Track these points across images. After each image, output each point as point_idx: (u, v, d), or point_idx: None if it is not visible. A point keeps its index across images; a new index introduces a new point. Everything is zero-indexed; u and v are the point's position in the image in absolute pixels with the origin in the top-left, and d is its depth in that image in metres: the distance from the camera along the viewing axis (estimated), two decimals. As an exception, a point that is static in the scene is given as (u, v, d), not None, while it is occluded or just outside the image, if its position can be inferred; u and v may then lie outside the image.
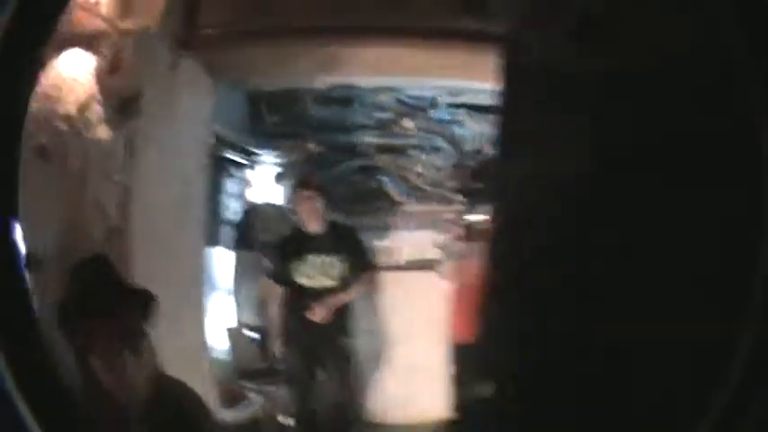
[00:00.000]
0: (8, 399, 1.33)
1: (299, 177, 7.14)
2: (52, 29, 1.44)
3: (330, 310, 6.87)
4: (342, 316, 6.62)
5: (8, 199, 1.42)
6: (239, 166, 7.43)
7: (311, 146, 7.34)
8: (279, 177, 7.52)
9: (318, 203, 6.39)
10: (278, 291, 6.17)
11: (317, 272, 6.18)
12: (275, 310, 6.22)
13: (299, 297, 6.31)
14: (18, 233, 1.43)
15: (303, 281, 6.16)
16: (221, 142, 6.47)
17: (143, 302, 3.43)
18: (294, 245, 6.33)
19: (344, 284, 6.49)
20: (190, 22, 4.51)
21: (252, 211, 7.56)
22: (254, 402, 6.32)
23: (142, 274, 3.99)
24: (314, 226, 6.38)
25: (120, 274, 3.57)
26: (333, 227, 6.51)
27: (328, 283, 6.31)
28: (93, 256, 3.53)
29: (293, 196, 6.51)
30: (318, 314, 6.78)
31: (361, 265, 6.68)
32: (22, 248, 1.47)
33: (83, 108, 3.85)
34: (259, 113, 6.99)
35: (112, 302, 3.34)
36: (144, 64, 4.07)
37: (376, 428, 7.46)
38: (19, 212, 1.43)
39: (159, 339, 3.48)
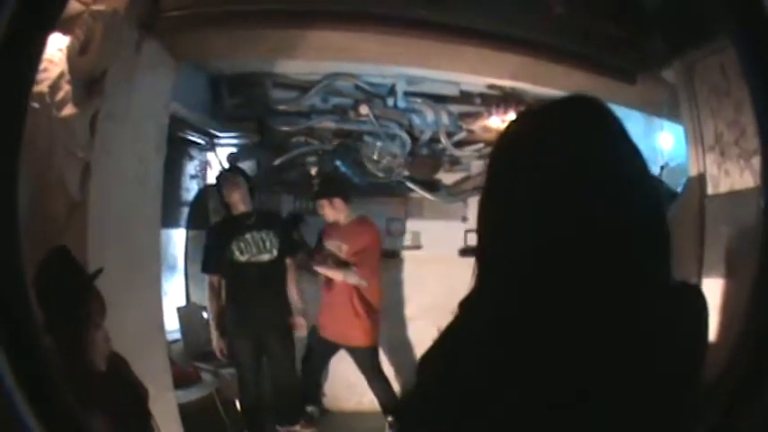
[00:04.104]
0: (8, 399, 1.34)
1: (228, 165, 7.18)
2: (57, 14, 1.43)
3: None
4: (283, 297, 6.63)
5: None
6: (198, 146, 7.39)
7: (269, 129, 7.35)
8: (231, 158, 7.51)
9: (244, 187, 6.45)
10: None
11: (253, 247, 6.23)
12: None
13: (239, 274, 6.35)
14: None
15: (242, 258, 6.23)
16: (181, 123, 6.44)
17: (95, 279, 3.46)
18: (231, 227, 6.37)
19: (279, 259, 6.52)
20: (155, 5, 4.52)
21: (205, 191, 7.53)
22: (208, 384, 6.32)
23: (100, 250, 3.99)
24: (243, 208, 6.45)
25: (77, 262, 3.57)
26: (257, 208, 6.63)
27: (264, 257, 6.36)
28: (56, 246, 3.53)
29: (223, 183, 6.54)
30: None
31: (290, 245, 6.74)
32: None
33: (54, 87, 3.84)
34: (219, 96, 6.95)
35: (74, 286, 3.36)
36: (111, 45, 4.07)
37: (329, 414, 7.48)
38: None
39: (114, 317, 3.49)
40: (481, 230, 1.67)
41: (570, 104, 1.71)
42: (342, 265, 6.83)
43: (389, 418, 7.07)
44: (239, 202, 6.39)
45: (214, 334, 6.27)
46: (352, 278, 6.80)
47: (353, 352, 6.99)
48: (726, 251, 4.33)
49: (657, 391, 1.42)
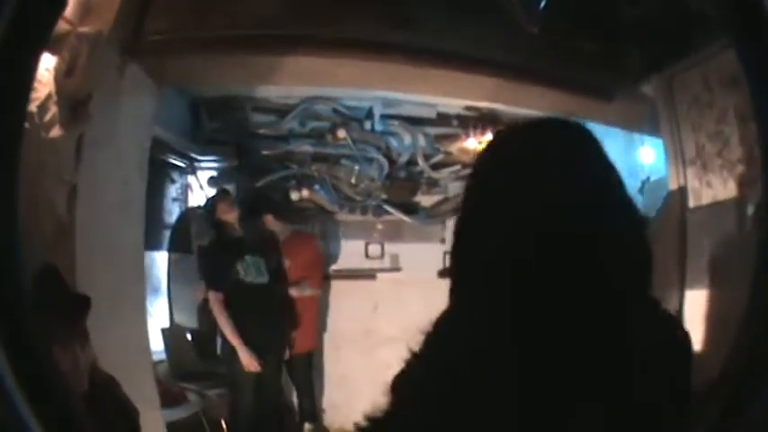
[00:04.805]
0: (8, 399, 1.34)
1: (219, 188, 7.19)
2: (51, 28, 1.46)
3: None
4: (280, 318, 6.60)
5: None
6: (179, 169, 7.40)
7: (248, 152, 7.37)
8: (212, 182, 7.53)
9: (237, 210, 6.46)
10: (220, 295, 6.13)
11: (253, 269, 6.22)
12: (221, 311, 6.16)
13: (243, 294, 6.29)
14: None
15: (247, 279, 6.20)
16: (162, 146, 6.47)
17: (84, 305, 3.48)
18: (232, 246, 6.34)
19: (272, 283, 6.50)
20: (138, 28, 4.57)
21: (188, 214, 7.54)
22: (194, 403, 6.30)
23: (85, 272, 4.01)
24: (237, 228, 6.45)
25: (65, 281, 3.60)
26: (251, 230, 6.63)
27: (263, 279, 6.34)
28: (43, 264, 3.55)
29: (219, 203, 6.52)
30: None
31: (282, 270, 6.74)
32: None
33: (42, 108, 3.86)
34: (199, 119, 6.97)
35: (59, 305, 3.37)
36: (95, 67, 4.10)
37: None
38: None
39: (101, 338, 3.51)
40: (460, 250, 1.67)
41: (546, 125, 1.71)
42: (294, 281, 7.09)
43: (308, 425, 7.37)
44: (235, 222, 6.43)
45: (243, 349, 6.09)
46: (307, 291, 7.09)
47: (297, 359, 7.17)
48: (709, 262, 4.37)
49: (644, 405, 1.42)
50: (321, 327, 7.72)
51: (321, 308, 7.70)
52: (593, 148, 1.62)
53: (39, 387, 1.40)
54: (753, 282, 1.53)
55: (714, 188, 4.53)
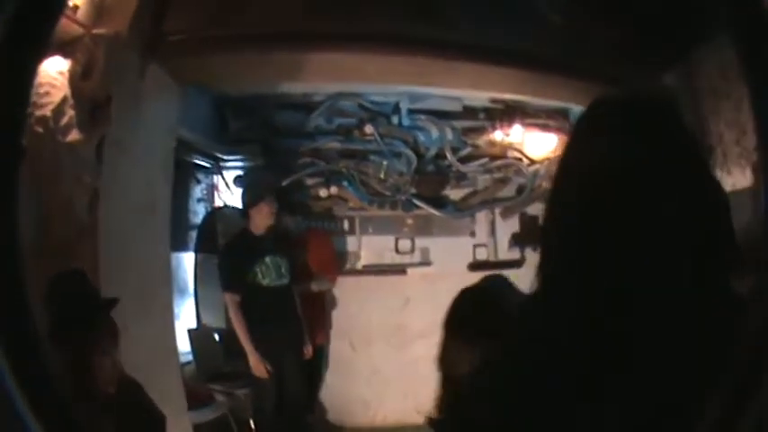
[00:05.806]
0: (8, 397, 1.33)
1: (255, 184, 7.13)
2: (50, 32, 1.44)
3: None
4: (298, 318, 6.58)
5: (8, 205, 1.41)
6: (204, 170, 7.39)
7: (274, 150, 7.33)
8: (238, 181, 7.50)
9: (274, 208, 6.42)
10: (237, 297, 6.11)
11: (273, 271, 6.18)
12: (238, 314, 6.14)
13: (260, 297, 6.27)
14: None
15: (264, 281, 6.17)
16: (186, 147, 6.45)
17: (109, 304, 3.46)
18: (252, 247, 6.32)
19: (292, 284, 6.48)
20: (158, 29, 4.55)
21: (214, 214, 7.52)
22: (221, 404, 6.31)
23: (110, 275, 4.01)
24: (263, 231, 6.40)
25: (92, 287, 3.59)
26: (272, 229, 6.59)
27: (283, 281, 6.31)
28: (68, 270, 3.54)
29: (251, 202, 6.48)
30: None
31: (302, 271, 6.71)
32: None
33: (57, 112, 3.85)
34: (223, 119, 6.95)
35: (86, 313, 3.36)
36: (114, 69, 4.09)
37: (339, 431, 7.49)
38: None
39: (128, 340, 3.50)
40: (556, 233, 1.59)
41: (640, 108, 1.63)
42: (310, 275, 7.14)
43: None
44: (262, 225, 6.38)
45: (254, 354, 6.16)
46: (325, 285, 7.20)
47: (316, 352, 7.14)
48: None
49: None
50: (344, 323, 7.67)
51: (340, 303, 7.68)
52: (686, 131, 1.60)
53: (39, 387, 1.39)
54: (757, 274, 1.49)
55: (734, 176, 4.49)
